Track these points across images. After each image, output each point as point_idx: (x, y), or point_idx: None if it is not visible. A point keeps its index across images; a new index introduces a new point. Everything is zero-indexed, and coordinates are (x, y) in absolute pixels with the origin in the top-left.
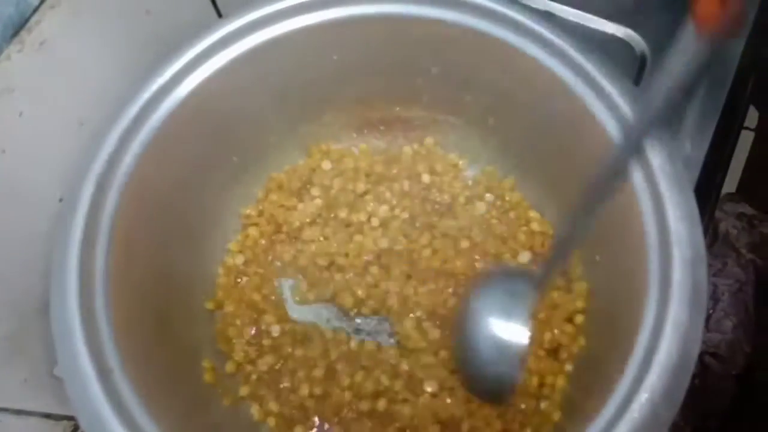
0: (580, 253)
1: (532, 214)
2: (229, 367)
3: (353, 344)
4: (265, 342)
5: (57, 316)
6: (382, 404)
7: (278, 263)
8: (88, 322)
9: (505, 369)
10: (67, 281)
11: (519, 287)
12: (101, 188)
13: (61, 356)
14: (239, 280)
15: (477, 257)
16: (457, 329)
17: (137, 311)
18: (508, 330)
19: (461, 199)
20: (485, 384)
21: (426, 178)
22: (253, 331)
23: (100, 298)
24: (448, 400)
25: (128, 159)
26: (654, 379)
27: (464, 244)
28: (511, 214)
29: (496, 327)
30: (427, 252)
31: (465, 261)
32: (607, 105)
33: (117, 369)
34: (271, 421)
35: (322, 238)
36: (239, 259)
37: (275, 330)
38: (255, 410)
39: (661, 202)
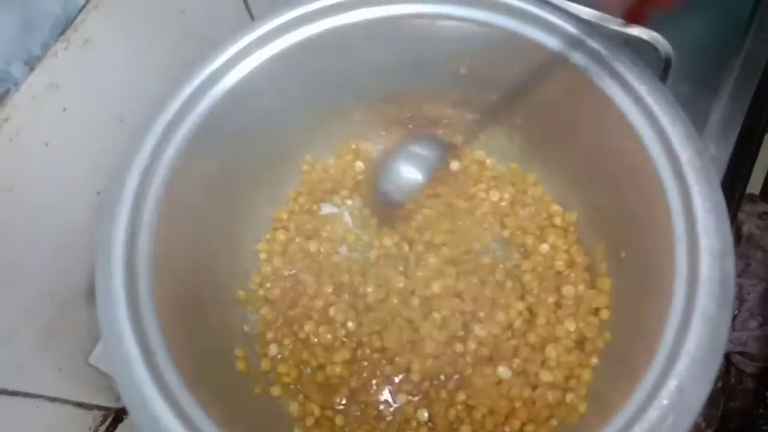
0: (603, 249)
1: (555, 208)
2: (264, 364)
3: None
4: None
5: (103, 300)
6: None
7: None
8: (132, 307)
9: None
10: (113, 267)
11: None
12: (145, 179)
13: (107, 339)
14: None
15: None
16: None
17: (176, 299)
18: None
19: (482, 194)
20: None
21: (455, 165)
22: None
23: (143, 284)
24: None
25: (170, 152)
26: (683, 367)
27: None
28: (533, 208)
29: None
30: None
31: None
32: (636, 103)
33: (160, 351)
34: (310, 421)
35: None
36: (269, 260)
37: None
38: (294, 407)
39: (689, 195)
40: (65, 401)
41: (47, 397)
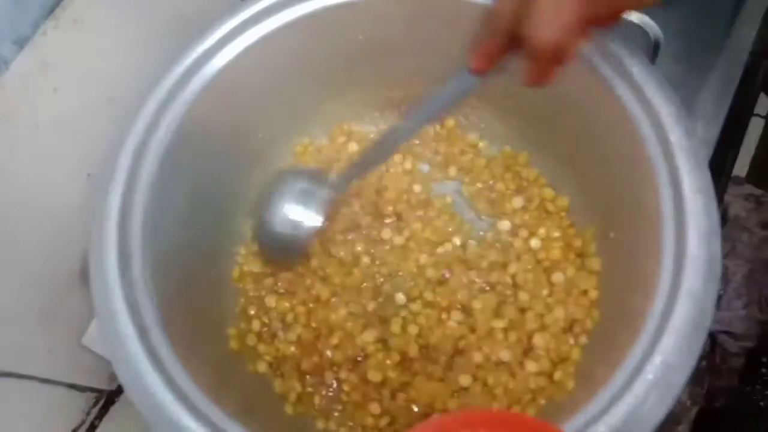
0: (594, 231)
1: (548, 192)
2: (250, 340)
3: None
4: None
5: (97, 278)
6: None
7: None
8: (126, 285)
9: (296, 240)
10: (106, 246)
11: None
12: (137, 159)
13: (101, 317)
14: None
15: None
16: (264, 206)
17: (170, 277)
18: (302, 215)
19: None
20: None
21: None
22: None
23: (137, 262)
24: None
25: (162, 132)
26: (669, 342)
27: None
28: (528, 193)
29: (292, 212)
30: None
31: None
32: (627, 83)
33: (154, 329)
34: (292, 397)
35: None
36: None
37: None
38: (277, 384)
39: (678, 175)
40: (58, 383)
41: (40, 378)
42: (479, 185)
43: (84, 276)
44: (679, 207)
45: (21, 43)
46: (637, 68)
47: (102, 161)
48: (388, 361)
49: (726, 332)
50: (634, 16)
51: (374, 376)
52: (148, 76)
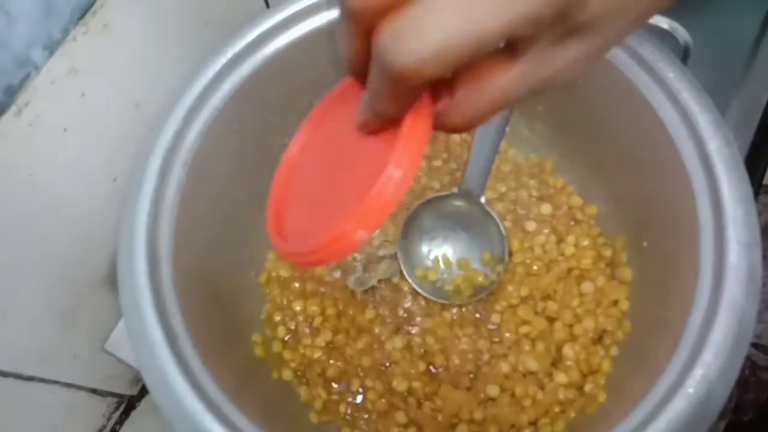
0: (625, 240)
1: (576, 199)
2: (276, 347)
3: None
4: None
5: (126, 282)
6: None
7: None
8: (155, 290)
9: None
10: (136, 251)
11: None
12: (167, 163)
13: (130, 322)
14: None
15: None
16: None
17: (197, 283)
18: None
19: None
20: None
21: None
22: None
23: (166, 267)
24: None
25: (192, 136)
26: (709, 357)
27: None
28: (555, 200)
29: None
30: None
31: None
32: (662, 90)
33: (182, 334)
34: (318, 404)
35: None
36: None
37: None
38: (302, 391)
39: (717, 184)
40: (80, 387)
41: (63, 383)
42: (503, 191)
43: (109, 281)
44: (718, 217)
45: (51, 48)
46: (673, 75)
47: (128, 166)
48: (413, 371)
49: (755, 345)
50: (663, 22)
51: (400, 385)
52: (175, 81)
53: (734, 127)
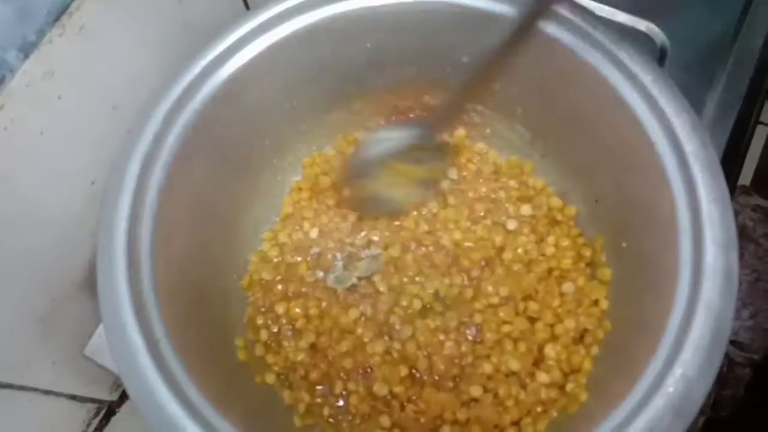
0: (604, 241)
1: (555, 201)
2: (258, 350)
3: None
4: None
5: (105, 288)
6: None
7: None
8: (135, 295)
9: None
10: (115, 254)
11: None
12: (146, 167)
13: (109, 328)
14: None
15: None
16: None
17: (178, 288)
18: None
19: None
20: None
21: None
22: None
23: (146, 272)
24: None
25: (171, 140)
26: (688, 356)
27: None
28: (535, 201)
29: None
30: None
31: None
32: (640, 93)
33: (163, 339)
34: (301, 408)
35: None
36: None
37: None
38: (286, 395)
39: (694, 186)
40: (59, 394)
41: (41, 390)
42: (483, 192)
43: (88, 285)
44: (695, 218)
45: (26, 50)
46: (650, 77)
47: (107, 169)
48: (395, 375)
49: (732, 342)
50: (641, 24)
51: (380, 389)
52: (153, 84)
53: (710, 127)
